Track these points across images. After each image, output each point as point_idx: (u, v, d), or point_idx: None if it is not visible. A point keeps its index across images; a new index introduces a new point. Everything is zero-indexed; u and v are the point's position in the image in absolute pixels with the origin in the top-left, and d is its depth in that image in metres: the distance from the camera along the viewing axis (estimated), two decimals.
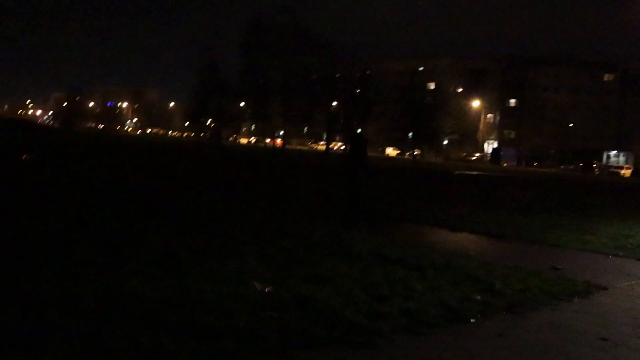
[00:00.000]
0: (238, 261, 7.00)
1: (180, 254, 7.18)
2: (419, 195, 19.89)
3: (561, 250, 10.55)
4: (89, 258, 6.57)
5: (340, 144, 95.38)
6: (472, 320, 5.82)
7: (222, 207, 12.25)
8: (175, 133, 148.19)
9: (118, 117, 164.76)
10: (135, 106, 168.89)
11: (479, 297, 6.51)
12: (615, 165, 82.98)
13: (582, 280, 7.88)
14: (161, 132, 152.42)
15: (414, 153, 71.62)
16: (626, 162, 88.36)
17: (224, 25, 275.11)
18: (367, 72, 74.99)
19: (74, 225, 8.53)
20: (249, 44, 60.60)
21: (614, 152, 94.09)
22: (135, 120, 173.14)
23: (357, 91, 71.37)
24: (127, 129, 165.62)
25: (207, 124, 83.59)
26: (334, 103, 71.52)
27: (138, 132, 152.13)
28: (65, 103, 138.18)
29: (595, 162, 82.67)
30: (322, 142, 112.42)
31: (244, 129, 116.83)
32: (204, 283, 5.92)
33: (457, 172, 45.00)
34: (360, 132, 12.90)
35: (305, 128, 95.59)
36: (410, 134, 71.66)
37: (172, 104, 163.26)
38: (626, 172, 73.53)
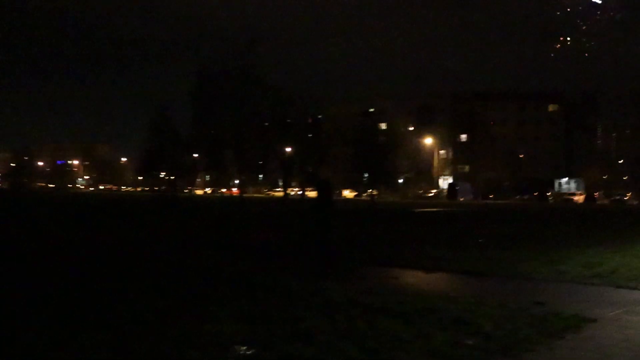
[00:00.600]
0: (214, 322, 6.56)
1: (149, 317, 6.70)
2: (384, 236, 19.65)
3: (539, 283, 10.37)
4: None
5: (297, 189, 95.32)
6: None
7: (189, 263, 11.73)
8: (128, 188, 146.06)
9: (69, 174, 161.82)
10: (86, 163, 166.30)
11: (470, 342, 6.22)
12: (569, 192, 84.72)
13: (570, 314, 7.66)
14: (114, 188, 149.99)
15: (372, 193, 71.85)
16: (577, 188, 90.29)
17: (175, 75, 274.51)
18: (319, 116, 75.53)
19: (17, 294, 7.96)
20: (199, 93, 60.33)
21: (565, 179, 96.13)
22: (86, 177, 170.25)
23: (310, 136, 71.68)
24: (80, 186, 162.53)
25: (161, 176, 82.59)
26: (288, 149, 71.61)
27: (90, 189, 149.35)
28: (13, 164, 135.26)
29: (549, 190, 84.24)
30: (278, 189, 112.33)
31: (198, 180, 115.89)
32: (180, 350, 5.47)
33: (417, 210, 45.14)
34: (325, 179, 12.63)
35: (261, 175, 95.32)
36: (366, 175, 72.10)
37: (124, 159, 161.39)
38: (579, 199, 75.12)
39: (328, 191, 10.88)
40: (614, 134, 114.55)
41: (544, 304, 8.38)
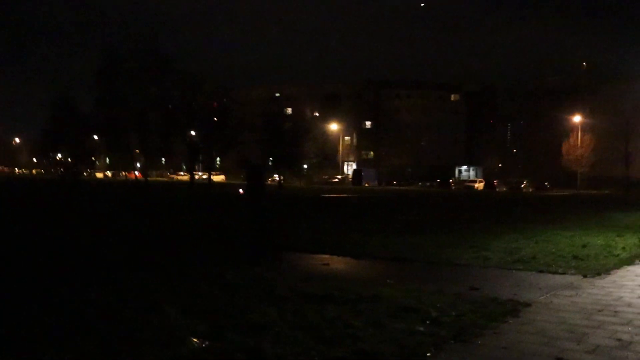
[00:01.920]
0: (159, 315, 6.26)
1: (87, 312, 6.31)
2: (300, 222, 19.61)
3: (467, 269, 10.62)
4: None
5: (201, 173, 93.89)
6: (428, 354, 5.53)
7: (113, 253, 11.21)
8: (22, 170, 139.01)
9: None
10: None
11: (422, 329, 6.25)
12: (470, 180, 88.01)
13: (505, 299, 7.88)
14: (6, 169, 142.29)
15: (278, 178, 71.86)
16: (476, 175, 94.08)
17: (79, 54, 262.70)
18: (225, 99, 74.46)
19: None
20: (104, 73, 58.06)
21: (465, 167, 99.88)
22: None
23: (216, 119, 70.59)
24: None
25: (58, 158, 79.15)
26: (193, 133, 70.30)
27: None
28: None
29: (451, 178, 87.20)
30: (181, 173, 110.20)
31: (97, 163, 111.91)
32: (132, 346, 5.17)
33: (325, 195, 45.50)
34: (257, 165, 12.41)
35: (164, 159, 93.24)
36: (271, 160, 72.05)
37: (17, 140, 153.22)
38: (479, 186, 78.19)
39: (261, 178, 10.69)
40: (509, 125, 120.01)
41: (478, 289, 8.59)
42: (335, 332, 5.99)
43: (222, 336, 5.62)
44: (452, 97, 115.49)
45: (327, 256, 12.05)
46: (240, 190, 20.67)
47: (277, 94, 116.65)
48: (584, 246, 13.64)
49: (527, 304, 7.71)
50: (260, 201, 10.45)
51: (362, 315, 6.70)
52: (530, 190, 76.84)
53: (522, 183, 79.39)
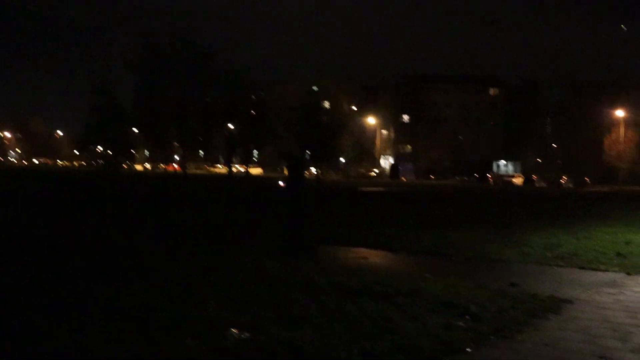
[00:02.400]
0: (199, 307, 6.33)
1: (131, 304, 6.40)
2: (339, 215, 19.61)
3: (506, 265, 10.51)
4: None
5: (238, 166, 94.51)
6: (468, 350, 5.50)
7: (152, 246, 11.35)
8: (64, 162, 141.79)
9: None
10: (18, 136, 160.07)
11: (461, 324, 6.21)
12: (508, 174, 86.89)
13: (546, 295, 7.77)
14: (49, 162, 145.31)
15: (317, 172, 71.94)
16: (515, 171, 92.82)
17: (118, 48, 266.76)
18: (262, 93, 74.66)
19: None
20: (144, 66, 58.78)
21: (503, 161, 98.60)
22: (18, 150, 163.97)
23: (254, 113, 70.86)
24: (12, 160, 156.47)
25: (99, 151, 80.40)
26: (231, 126, 70.72)
27: (24, 163, 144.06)
28: None
29: (489, 172, 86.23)
30: (219, 165, 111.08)
31: (136, 155, 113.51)
32: (174, 337, 5.24)
33: (363, 189, 45.41)
34: (298, 157, 12.42)
35: (202, 151, 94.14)
36: (308, 153, 72.07)
37: (59, 132, 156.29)
38: (518, 181, 77.14)
39: (301, 170, 10.71)
40: (548, 119, 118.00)
41: (518, 285, 8.49)
42: (375, 326, 5.98)
43: (262, 328, 5.67)
44: (492, 91, 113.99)
45: (364, 249, 12.04)
46: (281, 183, 20.70)
47: (315, 88, 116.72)
48: (627, 243, 13.37)
49: (569, 301, 7.60)
50: (299, 194, 10.47)
51: (401, 309, 6.68)
52: (570, 185, 75.49)
53: (562, 178, 78.04)
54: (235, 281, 7.70)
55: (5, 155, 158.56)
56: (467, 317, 6.48)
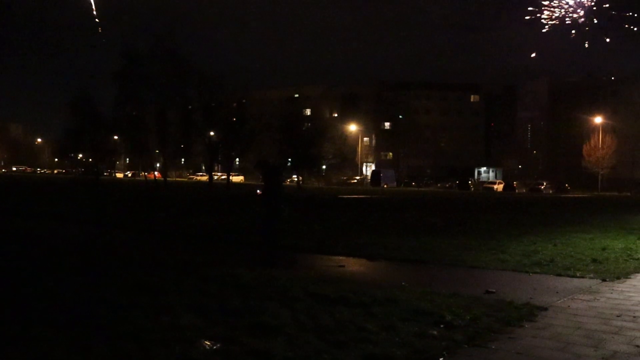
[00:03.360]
0: (170, 315, 6.24)
1: (99, 311, 6.31)
2: (318, 223, 19.53)
3: (483, 272, 10.51)
4: None
5: (219, 174, 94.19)
6: (440, 359, 5.45)
7: (124, 252, 11.23)
8: (44, 170, 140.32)
9: None
10: None
11: (435, 332, 6.18)
12: (489, 181, 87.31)
13: (522, 303, 7.78)
14: (28, 169, 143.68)
15: (298, 179, 71.82)
16: (496, 177, 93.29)
17: (99, 55, 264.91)
18: (243, 100, 74.47)
19: None
20: (124, 74, 58.37)
21: (484, 168, 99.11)
22: None
23: (235, 120, 70.60)
24: None
25: (79, 159, 79.74)
26: (212, 133, 70.39)
27: (2, 171, 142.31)
28: None
29: (470, 179, 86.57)
30: (200, 173, 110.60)
31: (117, 163, 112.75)
32: (143, 347, 5.15)
33: (343, 196, 45.39)
34: (274, 164, 12.34)
35: (183, 159, 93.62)
36: (290, 160, 72.01)
37: (39, 140, 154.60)
38: (499, 187, 77.52)
39: (277, 178, 10.63)
40: (529, 126, 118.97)
41: (494, 292, 8.49)
42: (348, 335, 5.94)
43: (234, 338, 5.59)
44: (472, 97, 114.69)
45: (342, 257, 12.00)
46: (258, 191, 20.53)
47: (296, 95, 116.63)
48: (603, 249, 13.45)
49: (544, 308, 7.60)
50: (276, 202, 10.39)
51: (376, 318, 6.64)
52: (550, 191, 76.04)
53: (542, 184, 78.56)
54: (208, 290, 7.61)
55: None
56: (441, 325, 6.46)
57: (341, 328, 6.15)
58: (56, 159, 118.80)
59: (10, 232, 14.08)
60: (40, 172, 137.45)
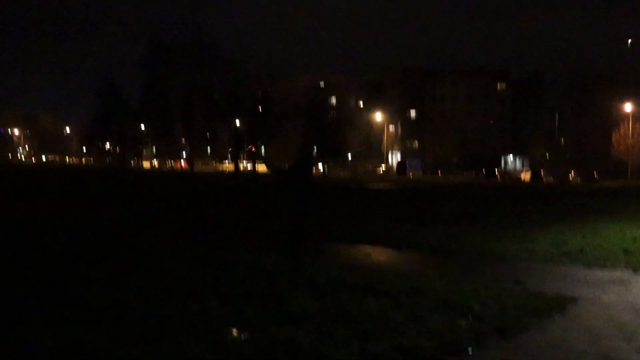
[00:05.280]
0: (198, 303, 6.28)
1: (130, 301, 6.36)
2: (345, 212, 19.53)
3: (512, 262, 10.40)
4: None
5: (245, 162, 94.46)
6: (469, 350, 5.41)
7: (157, 242, 11.32)
8: (72, 159, 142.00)
9: (9, 144, 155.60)
10: (27, 132, 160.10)
11: (464, 324, 6.13)
12: (516, 169, 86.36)
13: (551, 294, 7.67)
14: (57, 158, 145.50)
15: (324, 168, 71.81)
16: (522, 165, 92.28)
17: (125, 44, 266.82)
18: (269, 88, 74.54)
19: None
20: (150, 62, 58.75)
21: (511, 156, 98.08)
22: (27, 147, 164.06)
23: (260, 109, 70.69)
24: (20, 157, 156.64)
25: (107, 148, 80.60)
26: (238, 122, 70.56)
27: (32, 161, 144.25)
28: None
29: (497, 167, 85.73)
30: (226, 162, 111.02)
31: (144, 152, 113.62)
32: (171, 335, 5.18)
33: (367, 186, 45.30)
34: (306, 154, 12.30)
35: (209, 148, 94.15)
36: (315, 149, 71.93)
37: (67, 129, 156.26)
38: (526, 176, 76.59)
39: (309, 167, 10.61)
40: (557, 113, 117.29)
41: (523, 283, 8.40)
42: (375, 325, 5.92)
43: (262, 327, 5.61)
44: (498, 85, 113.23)
45: (368, 247, 11.99)
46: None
47: (321, 83, 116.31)
48: (634, 239, 13.19)
49: (574, 300, 7.49)
50: (304, 191, 10.35)
51: (403, 308, 6.60)
52: (579, 180, 74.88)
53: (570, 173, 77.40)
54: (236, 278, 7.64)
55: (14, 152, 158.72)
56: (469, 316, 6.40)
57: (369, 318, 6.14)
58: (84, 148, 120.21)
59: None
60: (69, 161, 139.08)
